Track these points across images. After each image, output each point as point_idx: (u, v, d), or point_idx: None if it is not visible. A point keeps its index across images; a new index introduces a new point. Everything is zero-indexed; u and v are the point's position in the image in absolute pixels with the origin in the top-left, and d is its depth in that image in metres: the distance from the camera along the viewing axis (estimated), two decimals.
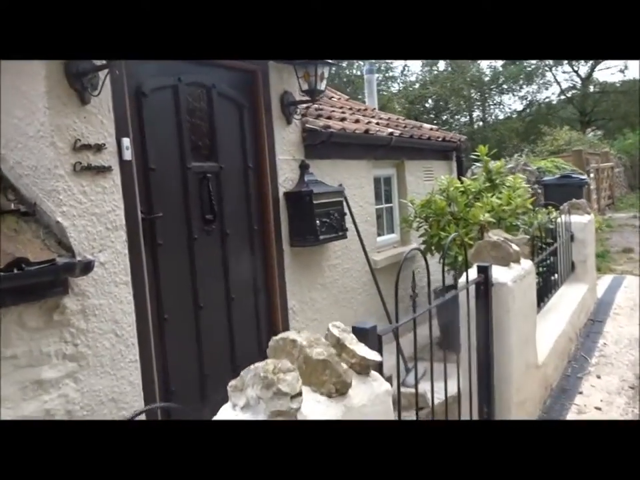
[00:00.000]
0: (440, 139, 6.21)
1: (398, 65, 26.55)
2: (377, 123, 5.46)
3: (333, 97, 6.30)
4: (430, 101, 26.68)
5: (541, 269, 4.08)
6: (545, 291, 4.24)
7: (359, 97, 15.68)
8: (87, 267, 2.41)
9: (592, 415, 3.23)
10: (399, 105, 22.60)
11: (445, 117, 27.39)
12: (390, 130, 5.26)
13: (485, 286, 2.87)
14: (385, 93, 23.93)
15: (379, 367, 1.62)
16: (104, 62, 2.48)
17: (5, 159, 2.64)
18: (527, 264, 3.31)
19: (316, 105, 4.59)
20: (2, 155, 2.68)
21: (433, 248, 5.02)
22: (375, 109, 7.25)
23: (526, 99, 28.35)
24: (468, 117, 28.77)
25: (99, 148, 2.60)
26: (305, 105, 4.18)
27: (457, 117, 28.36)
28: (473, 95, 27.66)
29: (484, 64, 27.13)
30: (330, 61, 3.73)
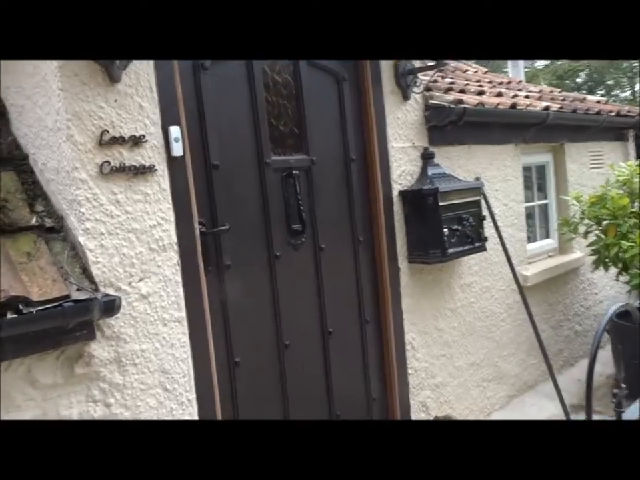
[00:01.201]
0: (613, 114, 4.72)
1: None
2: (526, 96, 4.23)
3: (467, 70, 5.15)
4: (582, 75, 23.38)
5: None
6: None
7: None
8: (110, 308, 1.74)
9: None
10: (545, 82, 20.04)
11: (601, 91, 23.82)
12: (545, 104, 4.00)
13: None
14: (527, 69, 21.42)
15: None
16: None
17: (35, 160, 2.10)
18: None
19: (445, 79, 3.56)
20: (31, 155, 2.14)
21: (607, 261, 3.70)
22: (521, 81, 5.89)
23: None
24: (629, 91, 24.72)
25: (136, 142, 1.92)
26: (429, 76, 3.19)
27: (614, 91, 24.54)
28: (635, 65, 23.69)
29: None
30: None
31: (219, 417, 2.22)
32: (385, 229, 2.89)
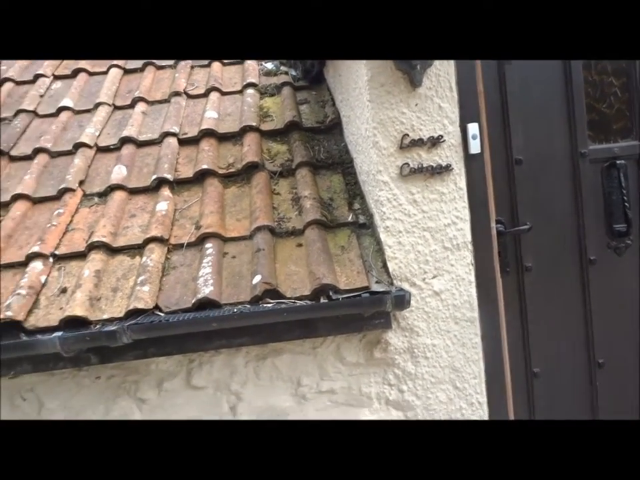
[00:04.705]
0: None
1: None
2: None
3: None
4: None
5: None
6: None
7: None
8: (400, 302, 1.85)
9: None
10: None
11: None
12: None
13: None
14: None
15: None
16: None
17: (357, 164, 2.40)
18: None
19: None
20: (354, 159, 2.46)
21: None
22: None
23: None
24: None
25: (434, 142, 1.97)
26: None
27: None
28: None
29: None
30: None
31: None
32: None
